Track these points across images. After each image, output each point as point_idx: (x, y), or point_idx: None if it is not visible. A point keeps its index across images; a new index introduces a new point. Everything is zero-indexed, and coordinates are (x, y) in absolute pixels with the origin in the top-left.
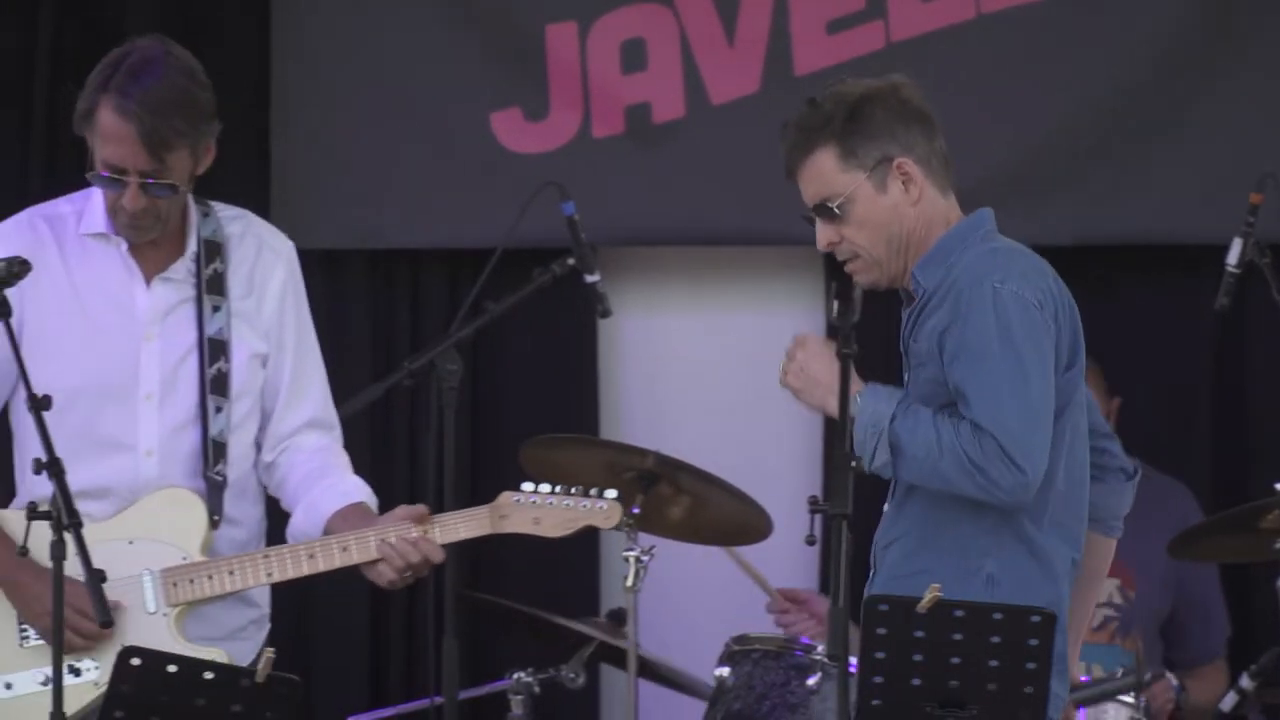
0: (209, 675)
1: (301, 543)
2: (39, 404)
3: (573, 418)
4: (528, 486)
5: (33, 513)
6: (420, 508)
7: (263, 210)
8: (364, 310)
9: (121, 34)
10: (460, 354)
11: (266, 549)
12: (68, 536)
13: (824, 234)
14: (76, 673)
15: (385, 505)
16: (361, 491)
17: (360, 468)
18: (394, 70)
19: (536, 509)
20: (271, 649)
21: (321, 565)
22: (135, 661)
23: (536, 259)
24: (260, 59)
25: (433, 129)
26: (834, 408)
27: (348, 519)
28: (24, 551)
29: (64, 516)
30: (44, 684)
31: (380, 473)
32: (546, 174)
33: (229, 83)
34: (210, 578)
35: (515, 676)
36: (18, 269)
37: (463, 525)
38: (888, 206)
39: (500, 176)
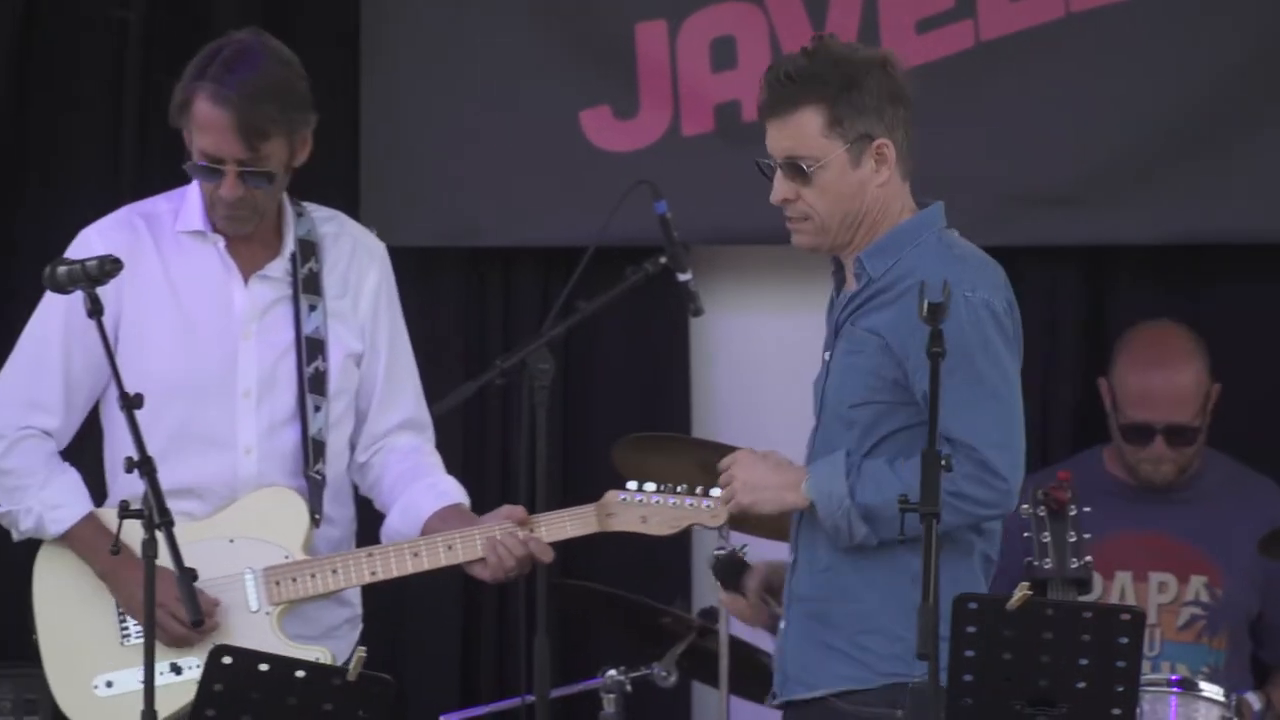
0: (300, 674)
1: (405, 541)
2: (130, 402)
3: (664, 416)
4: (632, 485)
5: (125, 511)
6: (519, 509)
7: (352, 208)
8: (457, 309)
9: (213, 28)
10: (552, 353)
11: (370, 547)
12: (159, 535)
13: (783, 189)
14: (178, 670)
15: (477, 504)
16: (458, 492)
17: (452, 467)
18: (484, 68)
19: (644, 508)
20: (363, 648)
21: (426, 564)
22: (226, 660)
23: (629, 257)
24: (350, 58)
25: (523, 127)
26: (793, 501)
27: (446, 520)
28: (116, 550)
29: (155, 515)
30: (144, 682)
31: (472, 472)
32: (636, 172)
33: (319, 81)
34: (313, 576)
35: (607, 674)
36: (109, 267)
37: (570, 524)
38: (855, 181)
39: (590, 175)
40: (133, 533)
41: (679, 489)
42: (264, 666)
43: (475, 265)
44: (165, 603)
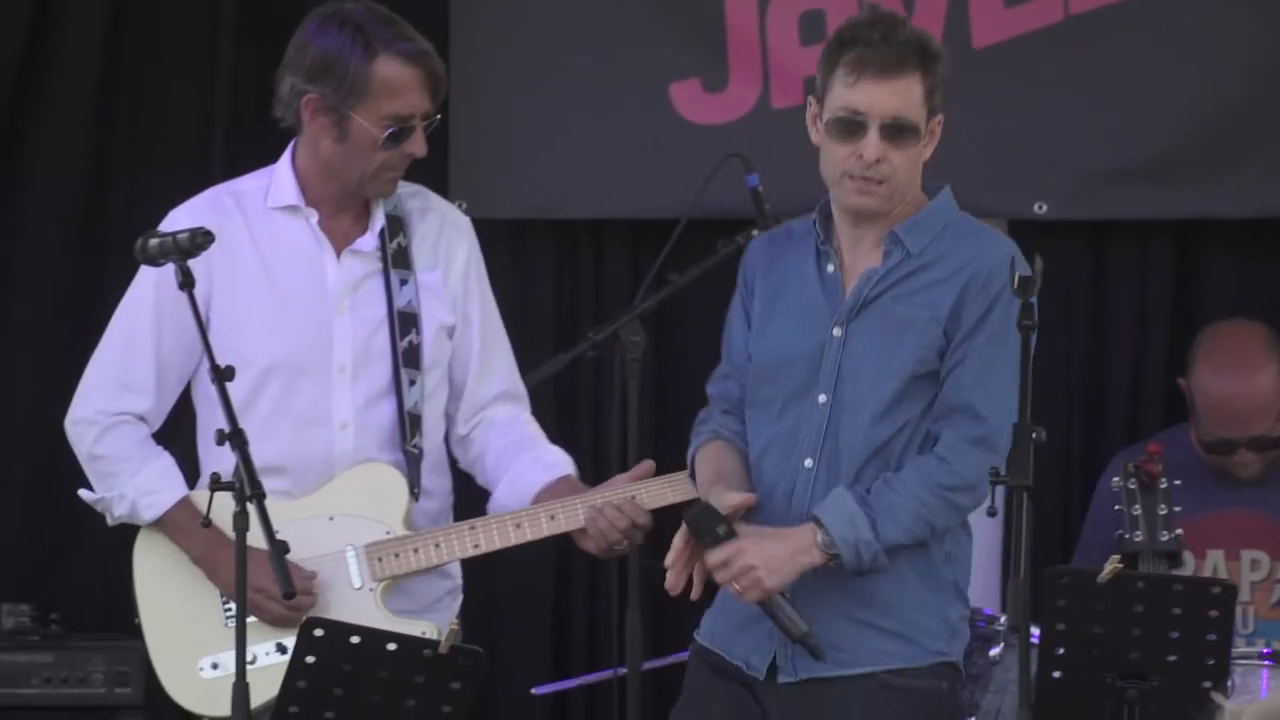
0: (392, 646)
1: (508, 513)
2: (221, 375)
3: None
4: None
5: (216, 484)
6: (647, 463)
7: (440, 181)
8: (548, 281)
9: (304, 8)
10: (644, 325)
11: (472, 520)
12: (251, 507)
13: (880, 148)
14: (284, 650)
15: None
16: (566, 463)
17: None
18: (574, 41)
19: None
20: (456, 620)
21: (529, 534)
22: (318, 633)
23: (720, 230)
24: (439, 32)
25: (612, 100)
26: (810, 561)
27: (556, 492)
28: (207, 523)
29: (246, 487)
30: (251, 663)
31: (564, 444)
32: (726, 145)
33: None
34: (415, 551)
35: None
36: (201, 239)
37: (669, 490)
38: (921, 154)
39: (679, 147)
40: (226, 513)
41: None
42: (355, 639)
43: (566, 237)
44: (263, 585)
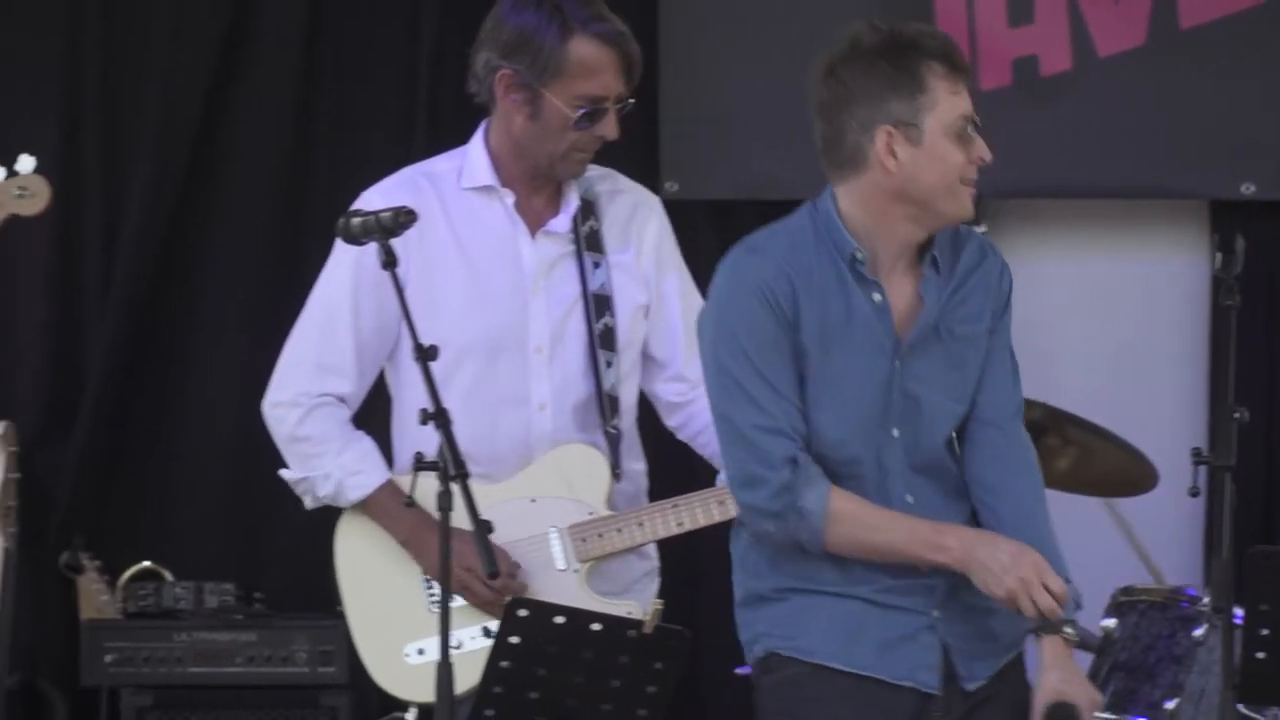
0: (596, 627)
1: (712, 490)
2: (425, 354)
3: None
4: None
5: (419, 464)
6: None
7: (650, 163)
8: None
9: None
10: None
11: (675, 499)
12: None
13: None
14: (489, 634)
15: None
16: None
17: None
18: (782, 22)
19: None
20: (659, 600)
21: (732, 511)
22: (522, 613)
23: None
24: (649, 15)
25: None
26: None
27: None
28: (410, 502)
29: (450, 467)
30: (456, 648)
31: None
32: None
33: None
34: (619, 531)
35: None
36: (404, 218)
37: (714, 506)
38: None
39: None
40: (428, 494)
41: None
42: (560, 619)
43: (771, 218)
44: (470, 567)
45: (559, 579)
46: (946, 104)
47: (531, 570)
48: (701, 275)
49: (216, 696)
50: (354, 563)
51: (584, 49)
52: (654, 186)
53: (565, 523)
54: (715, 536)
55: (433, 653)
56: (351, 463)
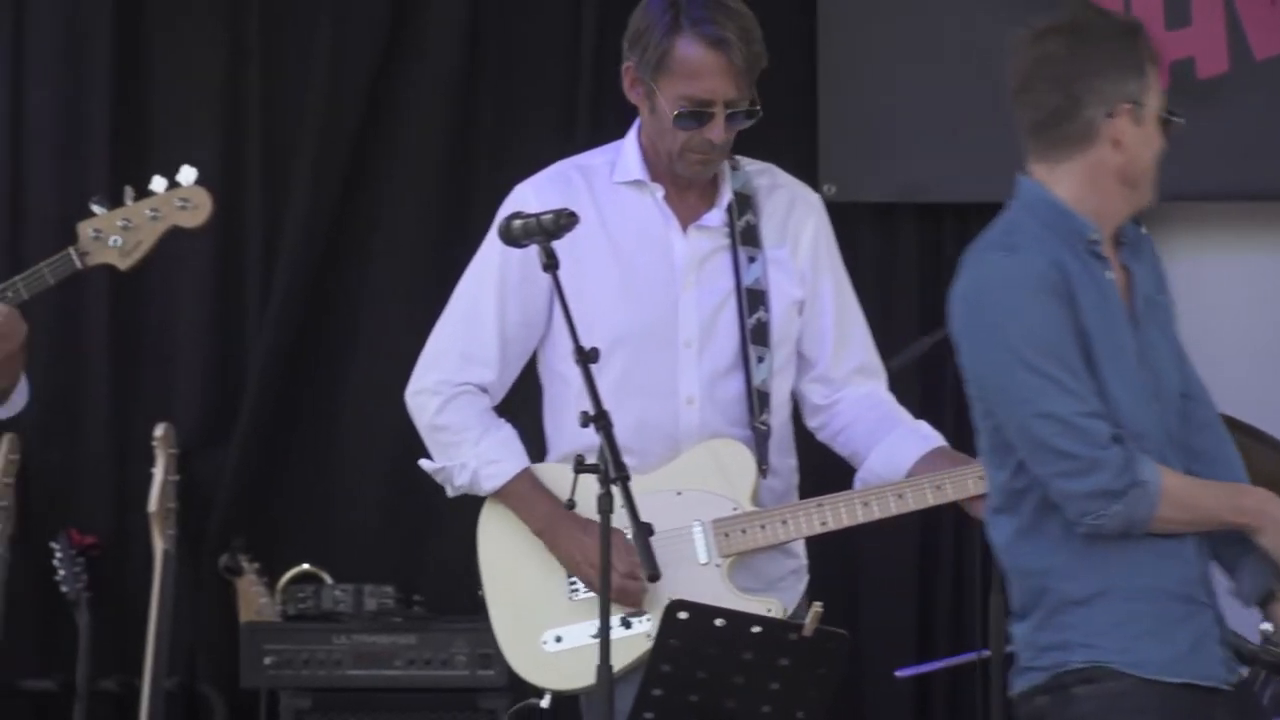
0: (756, 629)
1: (856, 491)
2: (586, 357)
3: None
4: None
5: (580, 465)
6: None
7: (808, 165)
8: (912, 263)
9: None
10: None
11: (820, 498)
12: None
13: None
14: (628, 625)
15: None
16: (939, 436)
17: None
18: (939, 25)
19: None
20: (819, 603)
21: (877, 512)
22: (683, 615)
23: None
24: (807, 17)
25: (979, 83)
26: None
27: (934, 463)
28: (571, 505)
29: (611, 469)
30: (595, 637)
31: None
32: None
33: (777, 40)
34: (763, 527)
35: None
36: (565, 221)
37: (970, 481)
38: None
39: None
40: (572, 487)
41: None
42: (720, 622)
43: (930, 220)
44: (613, 561)
45: (700, 573)
46: (1156, 89)
47: (673, 563)
48: (860, 277)
49: (375, 699)
50: (494, 550)
51: (689, 49)
52: (812, 188)
53: (709, 517)
54: (878, 538)
55: (569, 640)
56: (488, 451)
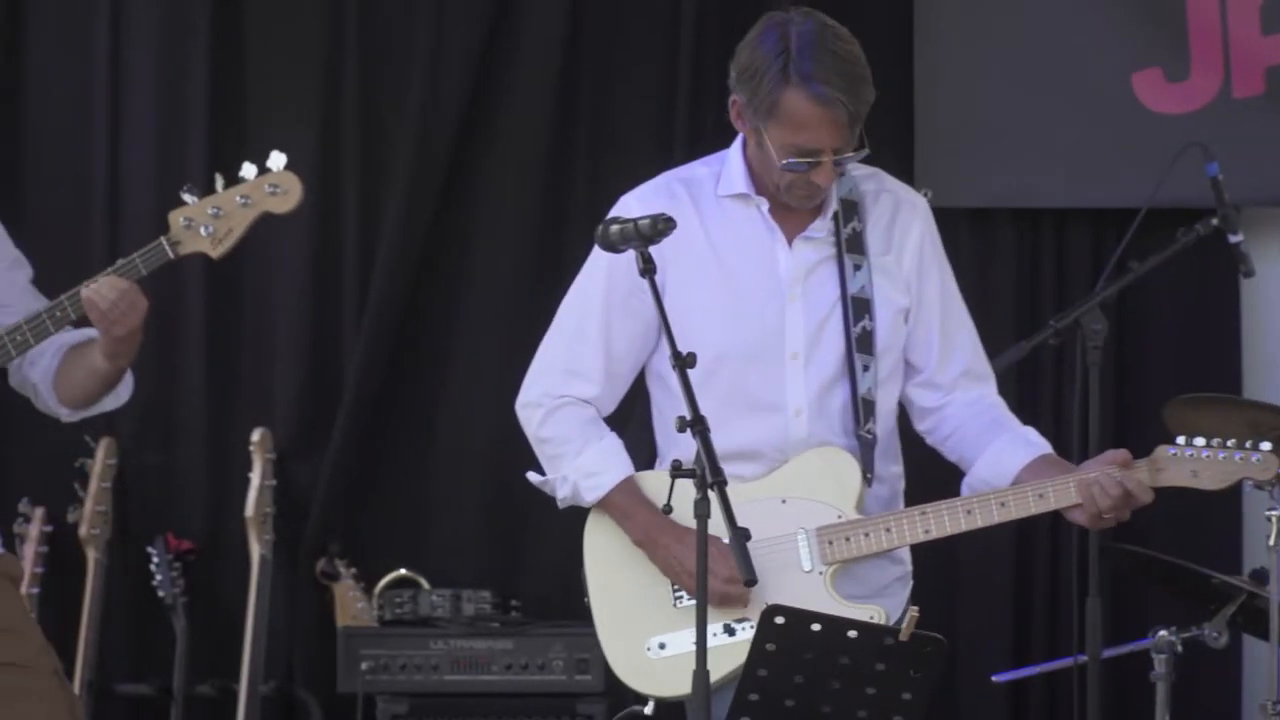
0: (853, 634)
1: (960, 499)
2: (684, 361)
3: (1215, 377)
4: (1181, 440)
5: (677, 470)
6: (1123, 451)
7: (906, 170)
8: (1010, 268)
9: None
10: (1104, 313)
11: (924, 505)
12: (712, 495)
13: None
14: (731, 632)
15: None
16: (1045, 443)
17: None
18: (1036, 30)
19: (1194, 462)
20: (916, 607)
21: (979, 521)
22: (779, 620)
23: (1180, 219)
24: (904, 22)
25: (1075, 89)
26: None
27: (1040, 470)
28: (668, 510)
29: (708, 474)
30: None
31: None
32: (1187, 135)
33: (873, 46)
34: (866, 535)
35: (1158, 635)
36: (662, 225)
37: (1124, 482)
38: None
39: (1141, 137)
40: (669, 492)
41: (1229, 443)
42: (816, 626)
43: (1028, 224)
44: (712, 567)
45: (804, 580)
46: None
47: (776, 570)
48: (957, 282)
49: (472, 704)
50: (599, 558)
51: (798, 103)
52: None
53: (813, 524)
54: (976, 542)
55: (673, 648)
56: (589, 464)
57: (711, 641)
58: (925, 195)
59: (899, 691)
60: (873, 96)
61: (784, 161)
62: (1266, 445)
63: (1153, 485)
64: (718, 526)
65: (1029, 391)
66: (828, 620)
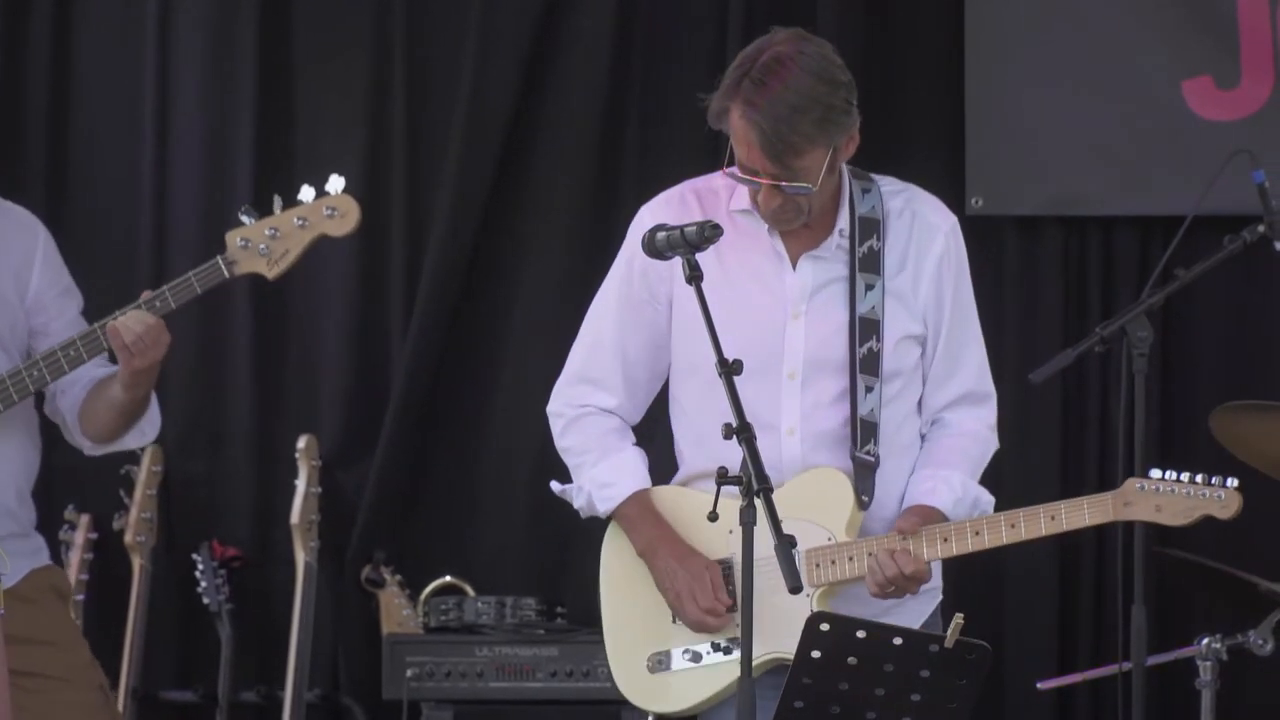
0: (898, 641)
1: (938, 526)
2: (729, 368)
3: (1262, 384)
4: (1155, 473)
5: (723, 478)
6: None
7: (956, 178)
8: (1056, 275)
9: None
10: (1151, 320)
11: (920, 528)
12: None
13: None
14: (727, 651)
15: (1074, 472)
16: (938, 493)
17: (1051, 434)
18: (1087, 39)
19: (1159, 497)
20: (961, 615)
21: (988, 541)
22: (824, 627)
23: (1227, 226)
24: (955, 30)
25: (1125, 97)
26: None
27: (905, 519)
28: (714, 517)
29: (755, 482)
30: (691, 661)
31: (1071, 438)
32: (1236, 142)
33: (923, 54)
34: (851, 559)
35: (1203, 642)
36: (709, 233)
37: (1089, 511)
38: None
39: (1191, 144)
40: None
41: (1196, 479)
42: (861, 634)
43: (1075, 231)
44: (694, 592)
45: (793, 601)
46: None
47: (767, 591)
48: (1004, 290)
49: (518, 712)
50: (611, 569)
51: (735, 119)
52: (960, 202)
53: (805, 546)
54: (1019, 554)
55: (670, 664)
56: (603, 475)
57: (706, 659)
58: (976, 203)
59: (943, 698)
60: (822, 135)
61: (726, 169)
62: (1232, 482)
63: (1117, 519)
64: (722, 536)
65: (1075, 399)
66: (872, 628)
